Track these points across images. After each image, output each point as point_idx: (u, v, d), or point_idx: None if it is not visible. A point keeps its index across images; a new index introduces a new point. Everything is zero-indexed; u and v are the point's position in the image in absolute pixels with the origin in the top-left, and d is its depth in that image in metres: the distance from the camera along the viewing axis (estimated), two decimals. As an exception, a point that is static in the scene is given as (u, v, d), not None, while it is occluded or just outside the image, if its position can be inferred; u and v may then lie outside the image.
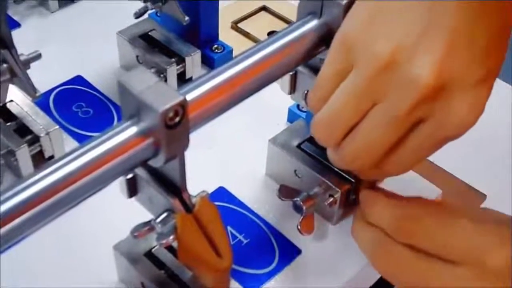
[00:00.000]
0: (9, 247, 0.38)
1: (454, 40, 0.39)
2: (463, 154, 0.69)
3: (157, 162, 0.42)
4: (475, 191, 0.68)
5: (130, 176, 0.47)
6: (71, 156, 0.39)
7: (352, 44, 0.42)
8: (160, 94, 0.39)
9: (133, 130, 0.40)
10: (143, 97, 0.39)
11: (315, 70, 0.53)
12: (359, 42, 0.42)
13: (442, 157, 0.67)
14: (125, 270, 0.53)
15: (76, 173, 0.39)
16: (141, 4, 0.71)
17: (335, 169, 0.57)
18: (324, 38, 0.50)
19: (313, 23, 0.50)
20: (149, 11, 0.73)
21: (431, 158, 0.68)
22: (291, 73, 0.55)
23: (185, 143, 0.42)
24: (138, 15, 0.71)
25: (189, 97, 0.42)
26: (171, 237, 0.45)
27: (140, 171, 0.46)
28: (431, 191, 0.64)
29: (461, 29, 0.39)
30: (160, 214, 0.46)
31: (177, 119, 0.39)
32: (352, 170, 0.49)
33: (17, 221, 0.37)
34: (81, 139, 0.70)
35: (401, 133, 0.42)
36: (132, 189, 0.48)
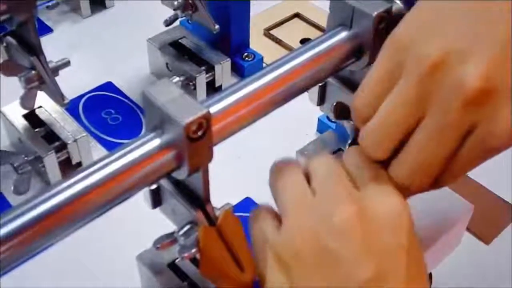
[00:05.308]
0: (34, 255, 0.38)
1: (505, 51, 0.39)
2: (496, 166, 0.68)
3: (180, 175, 0.42)
4: (508, 204, 0.67)
5: (154, 186, 0.46)
6: (92, 168, 0.38)
7: (402, 45, 0.42)
8: (184, 107, 0.39)
9: (156, 142, 0.40)
10: (166, 109, 0.39)
11: (345, 81, 0.53)
12: (409, 43, 0.41)
13: (476, 171, 0.66)
14: (148, 281, 0.53)
15: (97, 185, 0.38)
16: (171, 12, 0.71)
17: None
18: (354, 50, 0.49)
19: (343, 34, 0.49)
20: (180, 19, 0.73)
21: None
22: (320, 84, 0.54)
23: (208, 156, 0.41)
24: (168, 22, 0.71)
25: (213, 109, 0.42)
26: (194, 250, 0.45)
27: (164, 182, 0.46)
28: (462, 205, 0.62)
29: None
30: (183, 226, 0.45)
31: (200, 132, 0.39)
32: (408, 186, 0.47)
33: (41, 229, 0.37)
34: (110, 146, 0.70)
35: (454, 145, 0.41)
36: (156, 199, 0.47)
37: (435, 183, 0.45)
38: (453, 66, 0.39)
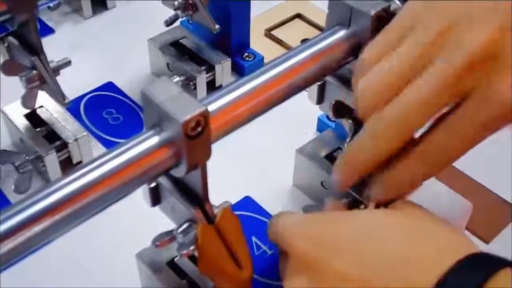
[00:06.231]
0: (32, 252, 0.38)
1: (508, 22, 0.40)
2: (496, 166, 0.68)
3: (179, 172, 0.42)
4: (508, 204, 0.67)
5: (153, 185, 0.47)
6: (91, 166, 0.39)
7: (418, 9, 0.44)
8: (182, 105, 0.39)
9: (155, 139, 0.40)
10: (165, 107, 0.39)
11: (344, 80, 0.53)
12: (423, 10, 0.43)
13: (475, 169, 0.67)
14: (147, 279, 0.53)
15: (96, 182, 0.39)
16: (172, 12, 0.71)
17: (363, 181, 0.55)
18: (353, 48, 0.49)
19: (341, 33, 0.49)
20: (181, 19, 0.73)
21: (463, 169, 0.68)
22: (319, 83, 0.54)
23: (206, 154, 0.41)
24: (168, 23, 0.72)
25: (212, 107, 0.42)
26: (192, 248, 0.45)
27: (163, 180, 0.46)
28: (461, 205, 0.62)
29: None
30: (182, 224, 0.45)
31: (198, 129, 0.39)
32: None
33: (40, 226, 0.37)
34: (110, 146, 0.70)
35: (447, 101, 0.42)
36: (156, 197, 0.47)
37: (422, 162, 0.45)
38: (458, 30, 0.41)
